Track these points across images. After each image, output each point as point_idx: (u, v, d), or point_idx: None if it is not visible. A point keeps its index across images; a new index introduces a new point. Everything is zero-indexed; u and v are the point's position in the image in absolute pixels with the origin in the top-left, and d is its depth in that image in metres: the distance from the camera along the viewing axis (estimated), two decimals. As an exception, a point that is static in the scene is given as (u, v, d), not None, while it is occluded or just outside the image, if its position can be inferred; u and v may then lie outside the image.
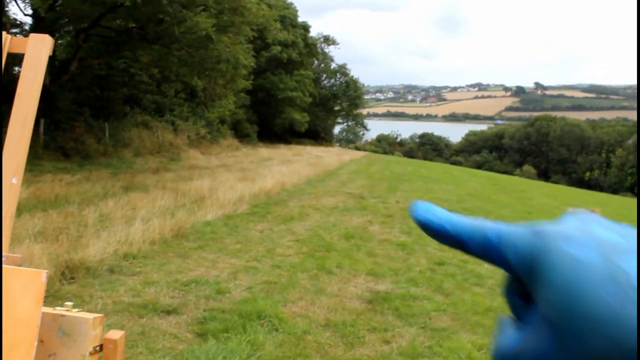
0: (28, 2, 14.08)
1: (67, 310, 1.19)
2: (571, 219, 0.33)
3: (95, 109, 20.41)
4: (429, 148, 77.17)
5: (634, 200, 31.97)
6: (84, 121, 18.10)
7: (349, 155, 32.09)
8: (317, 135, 48.92)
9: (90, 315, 1.16)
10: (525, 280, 0.32)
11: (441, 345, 4.14)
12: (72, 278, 4.93)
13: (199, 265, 5.84)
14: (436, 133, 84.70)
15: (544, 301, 0.30)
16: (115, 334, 1.25)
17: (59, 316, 1.15)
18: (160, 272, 5.46)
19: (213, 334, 3.99)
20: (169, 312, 4.40)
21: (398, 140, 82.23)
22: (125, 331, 4.09)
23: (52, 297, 4.43)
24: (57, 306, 1.20)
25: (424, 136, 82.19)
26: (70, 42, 19.29)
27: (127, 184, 11.50)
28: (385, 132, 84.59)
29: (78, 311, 1.19)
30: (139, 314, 4.29)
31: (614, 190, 55.12)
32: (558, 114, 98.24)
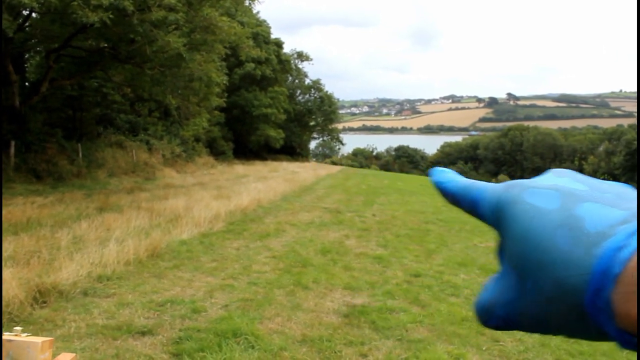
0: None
1: (16, 335, 1.18)
2: (548, 173, 0.36)
3: (68, 130, 20.19)
4: (405, 161, 77.78)
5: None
6: (56, 142, 17.87)
7: (325, 170, 32.13)
8: (292, 150, 48.97)
9: (38, 339, 1.15)
10: (497, 232, 0.35)
11: (418, 356, 4.15)
12: (44, 302, 4.85)
13: (175, 285, 5.78)
14: (412, 145, 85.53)
15: (507, 250, 0.33)
16: (66, 357, 1.24)
17: (6, 341, 1.14)
18: (135, 293, 5.39)
19: (189, 353, 3.95)
20: (143, 333, 4.34)
21: (374, 153, 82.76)
22: (99, 354, 4.00)
23: (23, 322, 4.35)
24: (7, 331, 1.19)
25: (399, 149, 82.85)
26: (41, 62, 19.10)
27: (101, 204, 11.37)
28: (361, 146, 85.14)
29: (27, 336, 1.17)
30: (113, 336, 4.23)
31: (587, 197, 56.11)
32: (531, 124, 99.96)
